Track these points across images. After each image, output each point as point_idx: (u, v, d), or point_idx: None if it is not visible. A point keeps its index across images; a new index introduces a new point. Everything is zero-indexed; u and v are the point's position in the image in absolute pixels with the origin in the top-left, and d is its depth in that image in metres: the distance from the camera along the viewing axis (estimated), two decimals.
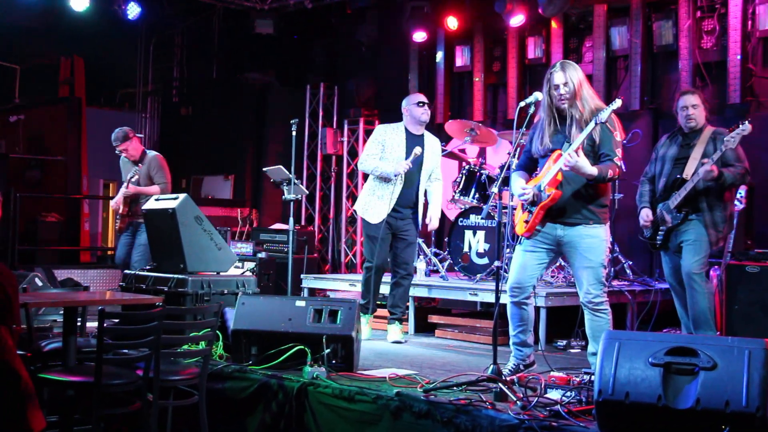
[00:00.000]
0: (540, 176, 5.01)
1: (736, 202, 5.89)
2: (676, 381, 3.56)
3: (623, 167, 7.30)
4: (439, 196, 6.84)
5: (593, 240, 4.91)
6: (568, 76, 4.89)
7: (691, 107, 5.80)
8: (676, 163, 5.82)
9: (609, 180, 4.85)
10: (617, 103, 4.74)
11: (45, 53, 12.86)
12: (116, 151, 7.82)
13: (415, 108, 6.71)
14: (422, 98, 6.79)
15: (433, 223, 6.79)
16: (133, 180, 7.62)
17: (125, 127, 7.84)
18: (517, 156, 5.33)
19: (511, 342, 5.21)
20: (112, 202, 7.98)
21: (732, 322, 6.24)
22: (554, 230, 4.97)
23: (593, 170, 4.73)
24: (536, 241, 5.03)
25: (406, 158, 6.59)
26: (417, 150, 6.57)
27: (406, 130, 6.73)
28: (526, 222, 5.01)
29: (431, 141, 6.80)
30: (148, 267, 6.52)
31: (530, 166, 5.20)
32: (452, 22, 9.59)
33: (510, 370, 5.06)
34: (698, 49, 8.13)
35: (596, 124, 4.74)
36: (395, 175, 6.55)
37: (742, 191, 6.02)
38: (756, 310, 6.18)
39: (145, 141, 13.44)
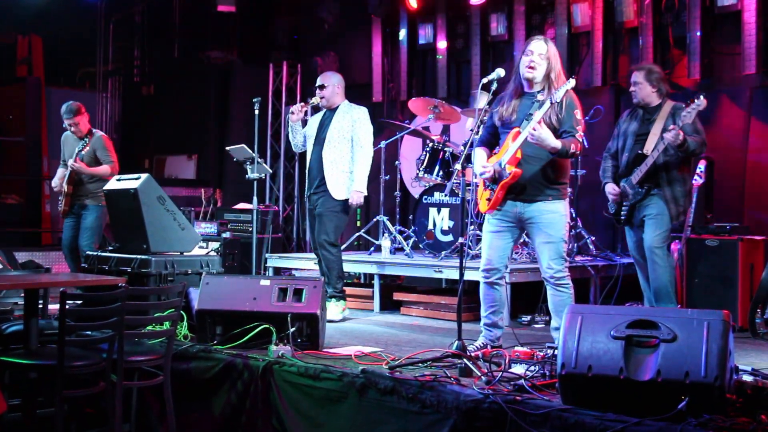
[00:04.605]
0: (500, 153, 5.05)
1: (695, 177, 5.97)
2: (637, 353, 3.60)
3: (585, 143, 7.43)
4: (360, 165, 6.64)
5: (553, 215, 4.96)
6: (549, 49, 4.96)
7: (632, 84, 5.95)
8: (638, 138, 5.89)
9: (571, 155, 4.89)
10: (571, 82, 4.79)
11: (1, 32, 12.60)
12: (65, 124, 7.70)
13: None
14: (318, 81, 6.83)
15: (352, 198, 6.61)
16: (81, 153, 7.47)
17: (76, 102, 7.75)
18: (478, 132, 5.36)
19: (482, 322, 5.25)
20: (53, 182, 7.85)
21: (692, 294, 6.34)
22: (514, 207, 5.02)
23: (557, 143, 4.77)
24: (500, 220, 5.08)
25: (316, 134, 6.72)
26: (315, 100, 6.76)
27: (326, 109, 6.83)
28: (488, 200, 5.08)
29: (345, 108, 6.75)
30: (110, 248, 6.46)
31: (491, 141, 5.24)
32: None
33: (476, 348, 5.10)
34: (658, 26, 8.18)
35: (552, 103, 4.78)
36: (293, 125, 6.79)
37: (701, 166, 6.10)
38: (715, 283, 6.29)
39: (106, 121, 13.26)
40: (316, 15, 10.68)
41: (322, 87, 6.76)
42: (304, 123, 6.89)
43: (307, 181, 6.80)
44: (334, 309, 6.62)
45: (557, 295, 5.01)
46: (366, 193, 6.72)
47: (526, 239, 7.11)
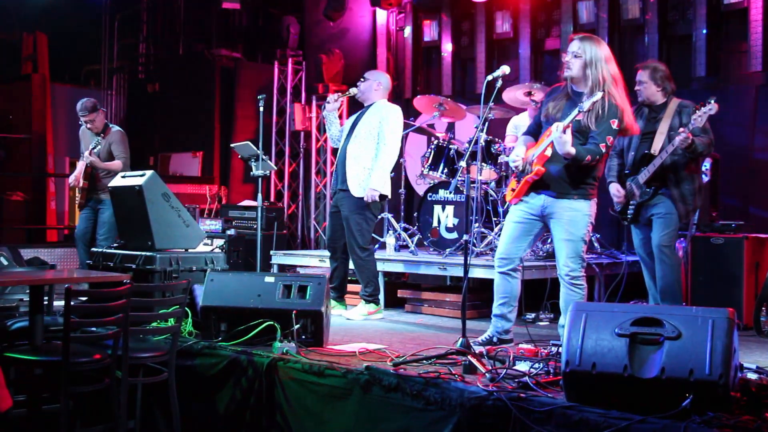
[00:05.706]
0: (536, 146, 5.08)
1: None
2: (641, 351, 3.60)
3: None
4: (380, 162, 6.50)
5: (576, 213, 4.97)
6: (582, 47, 4.93)
7: (637, 83, 5.93)
8: (644, 137, 5.87)
9: (584, 164, 4.89)
10: (598, 95, 4.79)
11: (7, 29, 12.64)
12: (81, 122, 7.78)
13: None
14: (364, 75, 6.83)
15: (366, 195, 6.48)
16: (95, 150, 7.55)
17: (92, 98, 7.83)
18: (484, 130, 5.37)
19: (492, 313, 5.26)
20: (70, 179, 7.92)
21: (697, 292, 6.33)
22: (539, 201, 5.05)
23: (571, 150, 4.79)
24: (523, 211, 5.12)
25: (349, 129, 6.66)
26: (352, 90, 6.74)
27: (364, 106, 6.78)
28: (513, 190, 5.16)
29: (379, 106, 6.66)
30: (115, 245, 6.47)
31: (537, 132, 5.24)
32: None
33: (482, 341, 5.10)
34: (664, 23, 8.17)
35: (579, 111, 4.78)
36: (327, 114, 6.75)
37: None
38: (720, 281, 6.28)
39: (111, 118, 13.30)
40: (322, 12, 10.69)
41: (364, 80, 6.73)
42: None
43: (333, 176, 6.76)
44: (361, 309, 6.62)
45: (570, 294, 5.00)
46: (385, 193, 6.57)
47: None
